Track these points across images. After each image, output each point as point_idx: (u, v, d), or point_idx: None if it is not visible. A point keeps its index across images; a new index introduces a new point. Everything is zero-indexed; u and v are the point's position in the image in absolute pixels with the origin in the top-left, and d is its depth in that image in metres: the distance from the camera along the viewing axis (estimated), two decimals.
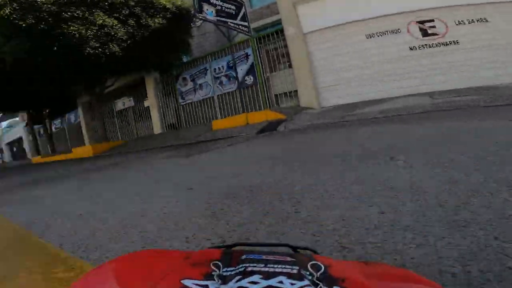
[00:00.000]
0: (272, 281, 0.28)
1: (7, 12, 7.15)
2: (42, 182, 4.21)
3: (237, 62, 9.28)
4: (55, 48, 7.84)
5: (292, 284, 0.28)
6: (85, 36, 7.81)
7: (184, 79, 11.57)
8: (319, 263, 0.34)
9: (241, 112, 9.48)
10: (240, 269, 0.31)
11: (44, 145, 19.93)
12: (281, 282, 0.28)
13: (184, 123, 11.71)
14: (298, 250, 0.45)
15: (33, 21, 7.34)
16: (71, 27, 7.58)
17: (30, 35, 7.60)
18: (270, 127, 5.67)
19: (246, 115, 7.39)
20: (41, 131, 20.01)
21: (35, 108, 17.03)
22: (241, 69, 9.12)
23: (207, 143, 5.81)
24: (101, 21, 8.06)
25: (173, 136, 9.18)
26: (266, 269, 0.31)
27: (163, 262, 0.36)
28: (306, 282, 0.29)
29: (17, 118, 24.71)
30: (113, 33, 8.34)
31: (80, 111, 16.67)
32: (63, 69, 9.41)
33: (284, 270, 0.31)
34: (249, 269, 0.31)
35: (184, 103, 11.66)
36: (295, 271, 0.31)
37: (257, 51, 8.72)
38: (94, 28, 7.97)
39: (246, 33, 8.78)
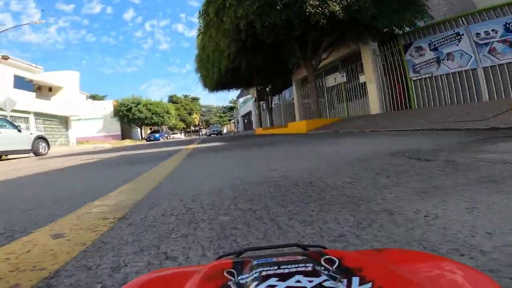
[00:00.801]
0: (290, 282, 0.27)
1: None
2: None
3: None
4: (278, 7, 7.38)
5: (310, 281, 0.27)
6: None
7: (419, 48, 8.78)
8: (332, 257, 0.32)
9: None
10: (255, 275, 0.30)
11: (265, 119, 23.69)
12: (298, 281, 0.27)
13: (415, 103, 9.08)
14: (308, 248, 0.42)
15: None
16: None
17: None
18: None
19: None
20: (264, 106, 23.83)
21: (262, 84, 20.02)
22: None
23: None
24: None
25: (408, 117, 6.96)
26: (281, 270, 0.30)
27: (180, 281, 0.32)
28: (323, 277, 0.28)
29: (249, 96, 31.27)
30: None
31: (294, 88, 17.45)
32: (286, 35, 9.06)
33: (299, 269, 0.30)
34: (264, 273, 0.30)
35: (418, 77, 8.89)
36: (309, 269, 0.30)
37: None
38: None
39: None
